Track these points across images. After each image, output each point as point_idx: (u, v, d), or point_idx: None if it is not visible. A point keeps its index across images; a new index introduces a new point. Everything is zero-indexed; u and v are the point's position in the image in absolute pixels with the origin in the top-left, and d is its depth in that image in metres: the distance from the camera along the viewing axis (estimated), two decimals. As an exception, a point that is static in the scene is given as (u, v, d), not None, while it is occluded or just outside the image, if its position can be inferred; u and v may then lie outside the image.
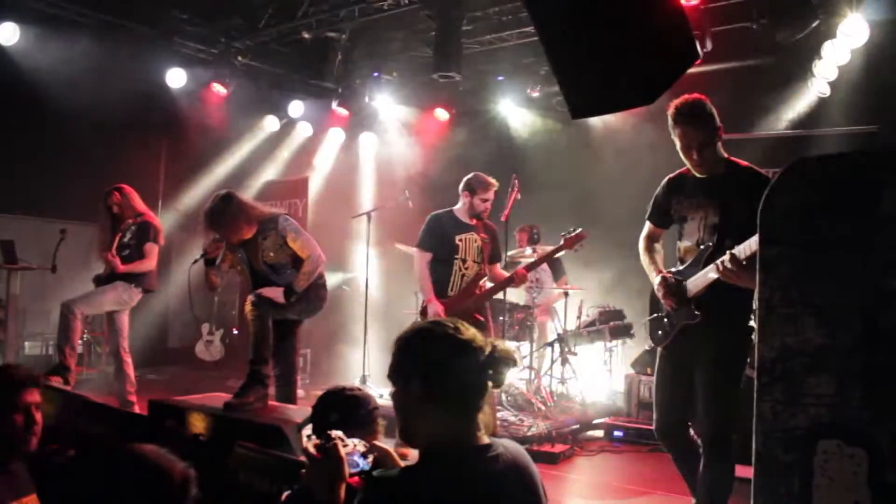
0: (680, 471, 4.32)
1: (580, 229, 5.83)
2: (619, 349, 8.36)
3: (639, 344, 8.11)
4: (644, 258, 4.41)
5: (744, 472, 5.57)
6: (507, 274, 6.00)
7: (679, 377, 4.20)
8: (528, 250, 7.81)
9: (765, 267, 2.14)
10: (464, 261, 5.87)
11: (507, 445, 2.12)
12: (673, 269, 4.22)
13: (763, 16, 6.84)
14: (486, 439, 2.08)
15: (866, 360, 1.94)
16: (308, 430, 3.31)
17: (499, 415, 6.70)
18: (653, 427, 4.37)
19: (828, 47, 6.71)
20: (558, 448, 6.47)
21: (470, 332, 2.10)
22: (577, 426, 7.28)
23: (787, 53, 7.01)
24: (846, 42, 6.60)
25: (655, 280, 4.21)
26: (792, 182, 2.11)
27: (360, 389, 3.15)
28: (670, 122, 3.99)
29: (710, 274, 3.82)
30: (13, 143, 8.53)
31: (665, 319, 4.17)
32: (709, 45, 6.85)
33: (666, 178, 4.35)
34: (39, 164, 8.77)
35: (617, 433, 7.15)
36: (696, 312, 3.97)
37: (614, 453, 6.79)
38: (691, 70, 7.37)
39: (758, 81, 7.33)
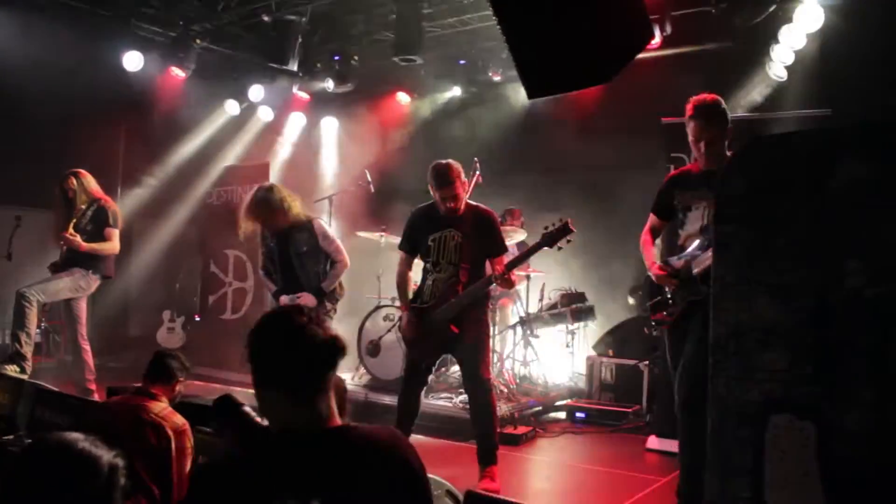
0: (693, 453, 4.24)
1: (567, 221, 4.92)
2: (581, 331, 8.43)
3: (601, 326, 8.19)
4: (645, 250, 4.73)
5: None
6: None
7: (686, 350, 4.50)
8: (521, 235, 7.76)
9: (719, 245, 2.17)
10: (435, 264, 5.26)
11: (364, 431, 2.10)
12: (674, 257, 4.55)
13: (722, 0, 6.90)
14: (335, 423, 2.08)
15: (817, 335, 1.97)
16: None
17: (460, 398, 6.72)
18: (676, 406, 4.44)
19: (784, 32, 6.78)
20: (520, 430, 6.52)
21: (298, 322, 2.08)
22: (540, 408, 7.34)
23: (745, 38, 7.08)
24: (802, 26, 6.69)
25: (653, 270, 4.54)
26: (745, 162, 2.14)
27: None
28: (688, 119, 4.37)
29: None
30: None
31: (669, 300, 4.49)
32: (668, 29, 6.91)
33: (668, 175, 4.76)
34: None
35: (579, 415, 7.21)
36: (704, 288, 4.19)
37: (576, 434, 6.86)
38: (650, 53, 7.50)
39: (716, 65, 7.38)
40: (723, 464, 2.09)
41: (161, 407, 3.61)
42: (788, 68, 7.04)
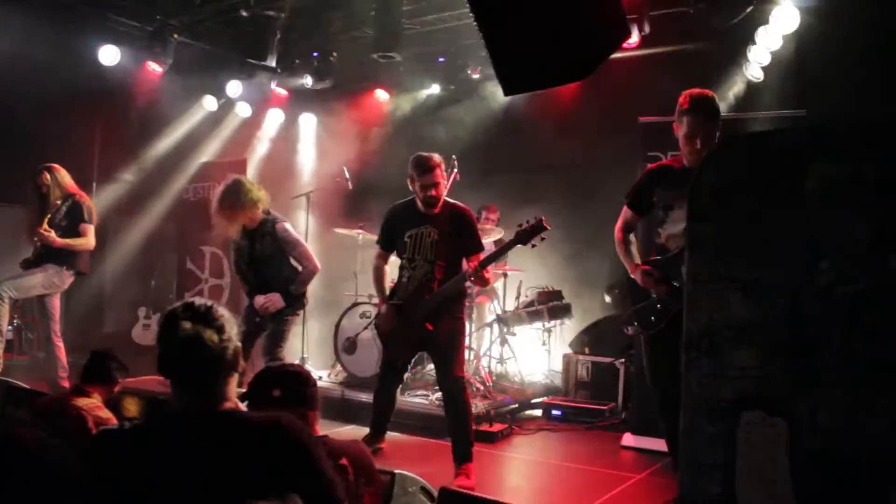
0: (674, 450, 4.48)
1: (541, 219, 4.94)
2: (558, 329, 8.45)
3: (577, 324, 8.22)
4: (620, 248, 4.59)
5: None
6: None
7: (673, 355, 4.39)
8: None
9: (692, 243, 2.19)
10: (410, 260, 5.26)
11: (249, 415, 2.35)
12: (657, 257, 4.43)
13: (700, 0, 6.93)
14: (225, 407, 2.27)
15: (789, 333, 1.99)
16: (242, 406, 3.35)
17: (436, 396, 6.73)
18: (658, 410, 4.61)
19: (761, 33, 6.84)
20: (496, 427, 6.53)
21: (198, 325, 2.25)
22: (516, 406, 7.35)
23: (722, 38, 7.12)
24: (778, 28, 6.75)
25: (638, 273, 4.41)
26: (719, 160, 2.16)
27: (300, 366, 3.13)
28: (681, 108, 4.22)
29: None
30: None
31: (658, 305, 4.34)
32: (646, 29, 6.94)
33: (647, 168, 4.60)
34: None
35: (555, 412, 7.23)
36: None
37: (552, 432, 6.88)
38: (628, 53, 7.51)
39: (693, 65, 7.43)
40: (695, 460, 2.11)
41: (88, 402, 3.76)
42: (764, 69, 7.10)
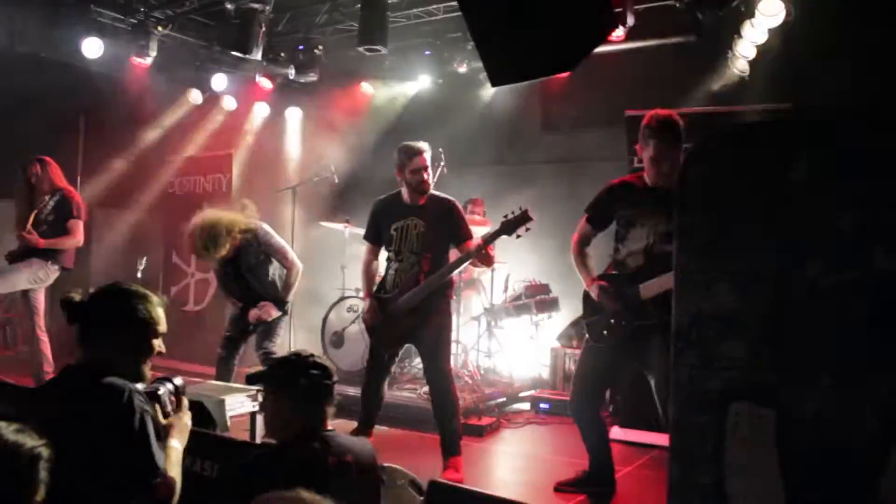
0: (587, 440, 4.71)
1: (526, 210, 4.94)
2: (545, 322, 8.45)
3: (564, 317, 8.22)
4: (576, 260, 4.66)
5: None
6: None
7: (612, 371, 4.74)
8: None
9: (681, 234, 2.19)
10: (397, 252, 5.27)
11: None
12: (613, 273, 4.51)
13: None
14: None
15: (776, 324, 2.00)
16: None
17: (424, 389, 6.72)
18: (568, 406, 4.88)
19: (747, 26, 6.84)
20: (485, 421, 6.55)
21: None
22: (504, 399, 7.36)
23: (708, 32, 7.12)
24: (764, 22, 6.75)
25: (594, 287, 4.46)
26: (706, 152, 2.16)
27: (325, 358, 3.04)
28: (645, 132, 4.27)
29: (669, 283, 3.99)
30: None
31: (611, 320, 4.41)
32: (630, 21, 6.93)
33: (609, 184, 4.62)
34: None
35: (543, 405, 7.25)
36: (655, 312, 4.18)
37: (540, 425, 6.90)
38: (615, 47, 7.51)
39: (680, 59, 7.44)
40: (684, 451, 2.11)
41: None
42: (751, 63, 7.11)
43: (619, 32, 6.87)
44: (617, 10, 6.71)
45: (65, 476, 1.91)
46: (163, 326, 2.76)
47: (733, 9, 6.72)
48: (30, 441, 1.83)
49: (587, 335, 4.64)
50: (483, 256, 5.03)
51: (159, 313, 2.76)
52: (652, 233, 4.30)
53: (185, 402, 2.87)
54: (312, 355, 2.81)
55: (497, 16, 2.22)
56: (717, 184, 2.14)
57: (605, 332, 4.47)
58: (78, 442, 2.31)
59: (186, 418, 2.82)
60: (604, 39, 2.34)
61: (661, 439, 5.70)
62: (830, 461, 1.90)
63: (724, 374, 2.03)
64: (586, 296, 4.60)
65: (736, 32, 6.95)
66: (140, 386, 2.68)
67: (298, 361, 2.78)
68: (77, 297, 2.76)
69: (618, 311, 4.39)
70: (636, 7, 6.87)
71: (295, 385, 2.72)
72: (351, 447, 2.72)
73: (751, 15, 6.73)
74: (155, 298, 2.80)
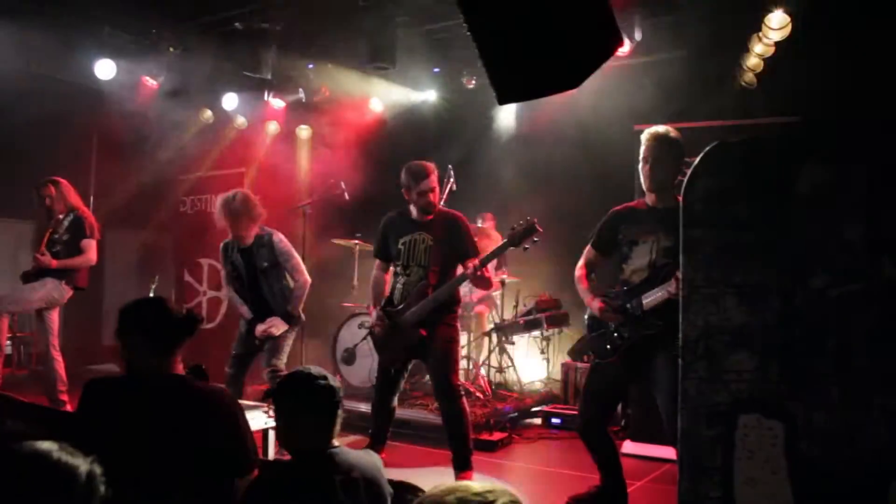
0: (597, 456, 4.74)
1: (533, 221, 4.95)
2: (556, 337, 8.46)
3: (576, 332, 8.22)
4: (580, 285, 4.71)
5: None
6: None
7: (618, 388, 4.77)
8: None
9: (687, 248, 2.20)
10: (405, 267, 5.29)
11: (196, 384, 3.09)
12: (615, 290, 4.55)
13: (691, 7, 6.97)
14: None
15: (784, 336, 2.01)
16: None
17: (435, 404, 6.72)
18: (576, 425, 4.93)
19: (753, 40, 6.86)
20: (496, 436, 6.54)
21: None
22: (515, 414, 7.35)
23: (715, 45, 7.15)
24: (770, 35, 6.76)
25: (595, 303, 4.52)
26: (711, 166, 2.18)
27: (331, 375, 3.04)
28: (644, 145, 4.38)
29: (669, 289, 4.13)
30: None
31: (615, 334, 4.45)
32: (638, 36, 6.96)
33: (612, 211, 4.69)
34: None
35: (554, 420, 7.24)
36: (658, 322, 4.25)
37: (552, 440, 6.88)
38: (621, 62, 7.52)
39: (686, 73, 7.45)
40: (693, 464, 2.12)
41: None
42: (757, 76, 7.12)
43: (626, 48, 6.90)
44: (623, 25, 6.75)
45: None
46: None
47: (740, 22, 6.75)
48: (82, 459, 1.85)
49: (592, 353, 4.68)
50: (478, 279, 5.08)
51: None
52: (654, 248, 4.37)
53: None
54: (318, 372, 2.83)
55: (503, 34, 2.24)
56: (723, 197, 2.16)
57: (608, 346, 4.50)
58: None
59: None
60: (610, 56, 2.35)
61: (673, 453, 5.68)
62: (841, 472, 1.90)
63: (733, 387, 2.05)
64: (590, 315, 4.64)
65: (742, 46, 6.96)
66: None
67: (305, 378, 2.80)
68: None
69: (620, 324, 4.42)
70: (643, 21, 6.90)
71: (301, 401, 2.73)
72: (357, 463, 2.73)
73: (757, 28, 6.75)
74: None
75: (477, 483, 1.70)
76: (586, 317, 4.68)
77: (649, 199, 4.50)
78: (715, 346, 2.09)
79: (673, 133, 4.39)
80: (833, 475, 1.90)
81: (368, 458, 2.87)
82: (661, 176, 4.34)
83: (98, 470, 1.85)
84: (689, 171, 2.23)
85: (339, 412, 2.81)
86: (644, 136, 4.42)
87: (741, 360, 2.06)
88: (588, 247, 4.75)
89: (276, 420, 2.83)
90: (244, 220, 5.79)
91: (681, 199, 4.24)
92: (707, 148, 2.22)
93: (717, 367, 2.08)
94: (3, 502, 1.79)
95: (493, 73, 2.30)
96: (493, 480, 4.69)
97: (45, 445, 1.84)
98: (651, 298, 4.29)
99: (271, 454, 4.58)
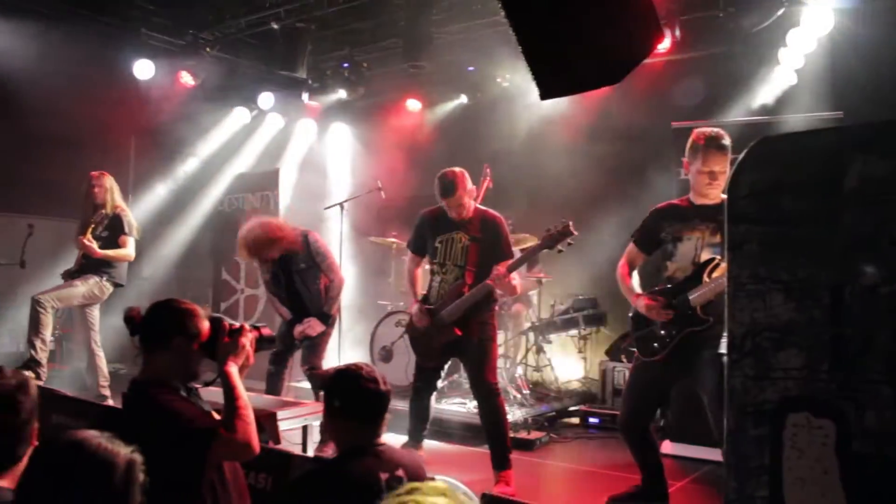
0: (638, 456, 4.71)
1: (568, 224, 4.94)
2: (594, 337, 8.41)
3: (614, 331, 8.17)
4: (623, 282, 4.68)
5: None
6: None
7: (663, 386, 4.71)
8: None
9: (732, 245, 2.17)
10: (441, 265, 5.32)
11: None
12: (660, 287, 4.53)
13: (730, 4, 6.90)
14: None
15: (833, 333, 1.97)
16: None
17: (473, 403, 6.72)
18: (618, 423, 4.89)
19: (793, 35, 6.76)
20: (534, 435, 6.52)
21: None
22: (553, 413, 7.33)
23: (753, 41, 7.06)
24: (811, 30, 6.67)
25: (641, 301, 4.48)
26: (757, 160, 2.14)
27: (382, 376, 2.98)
28: (696, 146, 4.36)
29: (721, 281, 4.08)
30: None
31: (661, 332, 4.42)
32: (677, 34, 6.90)
33: (655, 208, 4.67)
34: (5, 159, 8.64)
35: (592, 420, 7.21)
36: (705, 319, 4.25)
37: (590, 440, 6.85)
38: (661, 59, 7.44)
39: (725, 69, 7.38)
40: (740, 464, 2.09)
41: None
42: (798, 71, 7.03)
43: (666, 45, 6.84)
44: (663, 22, 6.69)
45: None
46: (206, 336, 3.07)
47: (779, 18, 6.66)
48: (122, 448, 1.88)
49: (636, 350, 4.63)
50: (505, 285, 5.08)
51: (205, 325, 3.06)
52: (699, 244, 4.35)
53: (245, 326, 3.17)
54: (368, 370, 2.83)
55: (545, 29, 2.22)
56: (769, 193, 2.12)
57: (654, 344, 4.46)
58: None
59: (244, 339, 3.10)
60: (651, 52, 2.33)
61: (714, 454, 5.63)
62: (893, 472, 1.86)
63: (781, 385, 2.01)
64: (634, 313, 4.60)
65: (781, 41, 6.86)
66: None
67: (354, 376, 2.80)
68: (137, 312, 3.04)
69: (666, 321, 4.38)
70: (682, 18, 6.85)
71: (350, 399, 2.74)
72: (402, 460, 2.73)
73: (796, 23, 6.66)
74: (202, 311, 3.09)
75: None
76: (630, 314, 4.64)
77: (694, 196, 4.47)
78: (762, 344, 2.05)
79: (727, 137, 4.36)
80: (885, 475, 1.86)
81: (413, 457, 2.88)
82: (718, 182, 4.32)
83: (138, 458, 1.88)
84: (733, 167, 2.19)
85: (387, 410, 2.82)
86: (700, 144, 4.35)
87: (789, 357, 2.02)
88: (630, 244, 4.72)
89: (325, 416, 2.83)
90: (273, 247, 5.82)
91: (724, 196, 4.28)
92: (752, 143, 2.18)
93: (764, 364, 2.05)
94: (46, 487, 1.82)
95: (535, 68, 2.29)
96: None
97: (86, 434, 1.87)
98: (697, 295, 4.26)
99: (310, 451, 4.61)
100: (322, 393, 2.90)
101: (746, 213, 2.12)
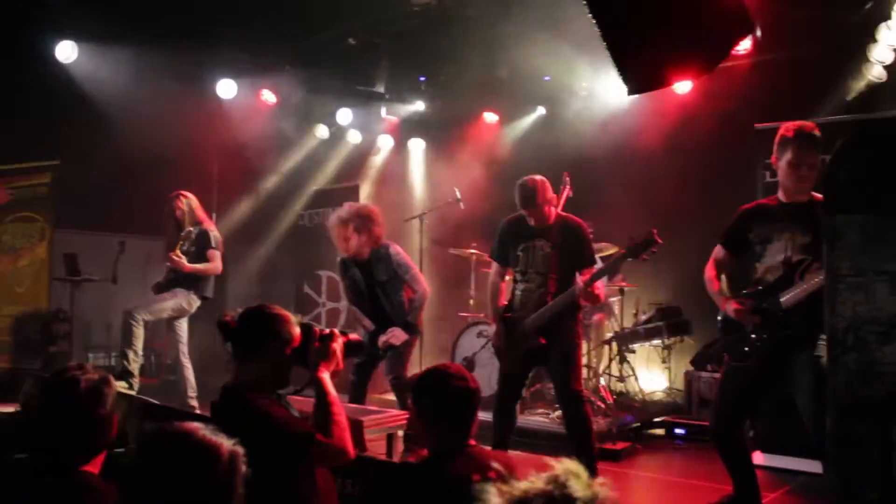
0: (730, 464, 4.53)
1: (651, 232, 4.85)
2: (678, 346, 8.25)
3: (699, 340, 7.99)
4: (711, 285, 4.56)
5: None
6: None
7: (755, 392, 4.52)
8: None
9: (830, 237, 2.10)
10: (524, 273, 5.27)
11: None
12: (750, 290, 4.40)
13: (815, 2, 6.73)
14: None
15: (942, 325, 1.89)
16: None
17: (557, 413, 6.65)
18: (709, 430, 4.72)
19: (882, 30, 6.55)
20: (620, 445, 6.42)
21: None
22: (638, 424, 7.19)
23: (840, 38, 6.88)
24: (901, 24, 6.46)
25: (730, 305, 4.36)
26: (856, 147, 2.07)
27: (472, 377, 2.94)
28: (785, 139, 4.21)
29: (813, 282, 3.97)
30: (74, 161, 8.72)
31: (752, 336, 4.29)
32: (758, 34, 6.76)
33: (742, 208, 4.56)
34: (98, 179, 8.96)
35: (678, 431, 7.06)
36: (798, 321, 4.11)
37: (676, 450, 6.73)
38: (745, 59, 7.28)
39: (810, 68, 7.18)
40: (845, 464, 2.01)
41: None
42: (888, 67, 6.80)
43: (747, 45, 6.70)
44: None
45: None
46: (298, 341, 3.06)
47: (866, 13, 6.47)
48: (224, 439, 1.92)
49: (727, 355, 4.49)
50: (588, 294, 5.00)
51: (296, 330, 3.06)
52: (789, 245, 4.22)
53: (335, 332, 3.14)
54: (458, 370, 2.82)
55: (632, 23, 2.20)
56: (868, 183, 2.05)
57: (746, 349, 4.32)
58: None
59: (334, 345, 3.08)
60: (740, 42, 2.29)
61: (808, 465, 5.47)
62: None
63: (888, 379, 1.93)
64: (723, 317, 4.48)
65: (870, 37, 6.65)
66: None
67: (445, 376, 2.79)
68: (231, 318, 3.05)
69: (758, 325, 4.25)
70: (764, 18, 6.70)
71: (440, 400, 2.73)
72: (494, 461, 2.71)
73: (886, 18, 6.45)
74: (293, 318, 3.09)
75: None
76: (719, 318, 4.52)
77: (783, 195, 4.35)
78: (865, 338, 1.98)
79: (818, 132, 4.21)
80: None
81: (505, 457, 2.86)
82: (809, 176, 4.20)
83: (240, 450, 1.91)
84: (829, 157, 2.12)
85: (478, 408, 2.80)
86: (790, 137, 4.21)
87: (895, 351, 1.94)
88: (717, 247, 4.61)
89: (415, 418, 2.83)
90: (364, 238, 5.96)
91: (815, 194, 4.16)
92: (849, 133, 2.11)
93: (868, 359, 1.98)
94: (151, 477, 1.86)
95: (622, 65, 2.27)
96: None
97: (191, 426, 1.91)
98: (789, 296, 4.14)
99: (395, 459, 4.61)
100: (411, 397, 2.87)
101: (845, 201, 2.05)
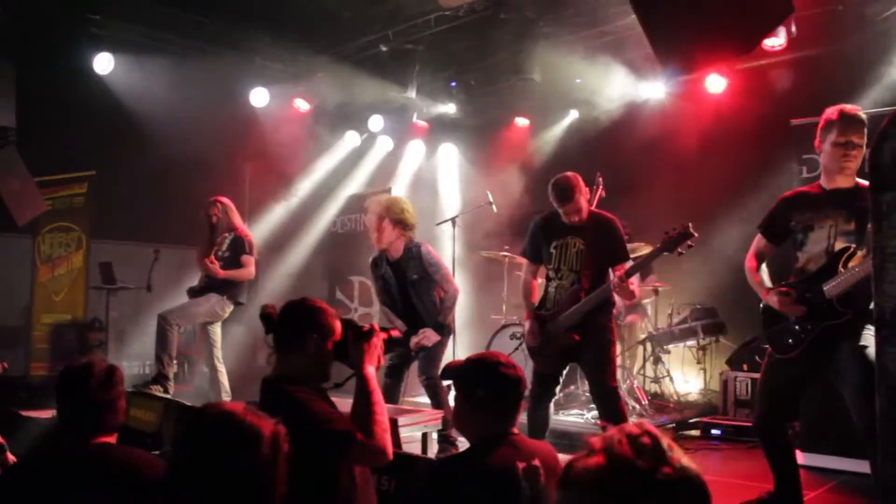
0: (773, 460, 4.45)
1: (687, 225, 4.80)
2: (713, 346, 8.18)
3: (734, 340, 7.92)
4: (752, 276, 4.46)
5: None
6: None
7: (798, 385, 4.38)
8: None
9: (878, 215, 2.06)
10: (557, 270, 5.23)
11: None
12: (793, 280, 4.29)
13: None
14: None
15: None
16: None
17: (591, 414, 6.62)
18: (753, 425, 4.64)
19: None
20: (656, 445, 6.34)
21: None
22: (674, 425, 7.13)
23: (874, 34, 6.80)
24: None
25: (772, 296, 4.27)
26: (902, 125, 2.04)
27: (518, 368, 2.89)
28: (830, 121, 4.12)
29: (857, 270, 3.90)
30: (110, 171, 8.83)
31: (796, 327, 4.20)
32: (793, 30, 6.71)
33: (782, 196, 4.46)
34: (133, 189, 9.06)
35: (714, 431, 6.98)
36: (843, 311, 4.01)
37: (713, 451, 6.64)
38: (779, 56, 7.20)
39: (846, 62, 7.11)
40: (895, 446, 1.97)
41: None
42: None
43: (782, 41, 6.65)
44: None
45: None
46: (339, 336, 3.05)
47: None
48: (267, 420, 1.93)
49: (770, 348, 4.41)
50: (623, 289, 4.95)
51: (338, 324, 3.04)
52: (832, 233, 4.11)
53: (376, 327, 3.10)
54: (504, 358, 2.78)
55: (672, 5, 2.19)
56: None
57: (790, 340, 4.23)
58: None
59: (376, 339, 3.05)
60: (781, 20, 2.27)
61: (850, 464, 5.38)
62: None
63: (939, 359, 1.90)
64: (765, 308, 4.39)
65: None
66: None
67: (494, 361, 2.76)
68: (273, 310, 3.07)
69: (802, 316, 4.17)
70: (798, 14, 6.64)
71: (491, 384, 2.69)
72: (537, 449, 2.69)
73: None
74: (333, 311, 3.09)
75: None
76: (761, 309, 4.43)
77: (825, 181, 4.23)
78: (915, 317, 1.95)
79: (864, 116, 4.12)
80: None
81: (547, 446, 2.84)
82: (853, 155, 4.08)
83: (283, 430, 1.91)
84: (876, 136, 2.09)
85: (523, 396, 2.77)
86: (835, 119, 4.11)
87: (946, 330, 1.90)
88: (758, 236, 4.50)
89: (461, 406, 2.78)
90: (398, 229, 5.99)
91: (860, 181, 4.08)
92: (893, 114, 2.08)
93: (919, 339, 1.94)
94: (197, 456, 1.87)
95: (660, 48, 2.26)
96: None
97: (234, 405, 1.92)
98: (833, 286, 4.04)
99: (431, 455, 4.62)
100: (456, 383, 2.81)
101: (892, 179, 2.02)
